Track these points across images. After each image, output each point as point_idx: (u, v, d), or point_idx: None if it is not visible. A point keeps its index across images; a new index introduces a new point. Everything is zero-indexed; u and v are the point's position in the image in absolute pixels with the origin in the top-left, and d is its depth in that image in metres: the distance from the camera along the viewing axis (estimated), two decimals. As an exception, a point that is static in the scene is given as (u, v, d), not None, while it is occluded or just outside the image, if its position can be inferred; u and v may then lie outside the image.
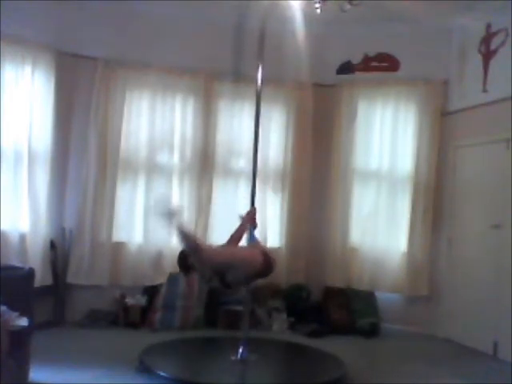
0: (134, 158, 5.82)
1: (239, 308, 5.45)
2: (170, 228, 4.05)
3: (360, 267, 6.08)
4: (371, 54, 6.20)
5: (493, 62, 5.36)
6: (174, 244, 5.86)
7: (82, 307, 5.51)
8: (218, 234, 5.65)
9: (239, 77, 5.95)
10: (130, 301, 5.57)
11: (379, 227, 6.07)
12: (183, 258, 3.84)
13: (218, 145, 6.05)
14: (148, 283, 5.75)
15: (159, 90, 5.87)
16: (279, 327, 5.67)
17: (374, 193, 6.13)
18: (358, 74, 6.25)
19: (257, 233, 4.53)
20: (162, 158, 5.92)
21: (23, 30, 5.14)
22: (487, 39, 5.45)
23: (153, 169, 5.85)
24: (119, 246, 5.75)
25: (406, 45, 6.03)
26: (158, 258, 5.80)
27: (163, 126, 5.87)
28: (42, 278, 5.17)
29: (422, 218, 5.91)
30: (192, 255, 3.65)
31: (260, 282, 4.29)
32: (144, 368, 4.08)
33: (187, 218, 5.89)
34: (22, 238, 5.21)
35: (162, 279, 5.71)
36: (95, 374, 3.99)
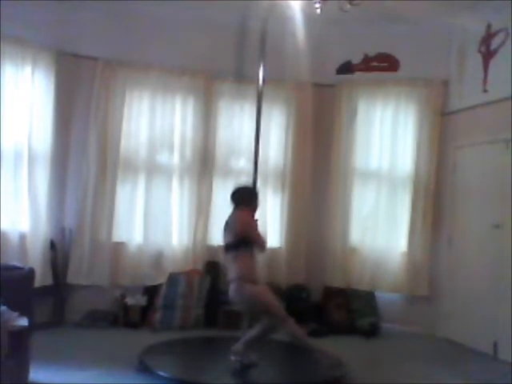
0: (134, 158, 5.82)
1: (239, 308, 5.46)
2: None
3: (360, 267, 6.07)
4: (371, 54, 6.20)
5: (493, 62, 5.36)
6: (173, 244, 5.91)
7: (82, 307, 5.51)
8: (218, 233, 5.65)
9: (239, 77, 5.96)
10: (129, 301, 5.57)
11: (379, 227, 6.06)
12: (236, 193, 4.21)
13: (218, 145, 6.06)
14: (148, 283, 5.75)
15: (159, 90, 5.87)
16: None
17: (374, 193, 6.12)
18: (358, 74, 6.25)
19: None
20: (162, 158, 5.92)
21: (23, 30, 5.14)
22: (487, 39, 5.45)
23: (153, 169, 5.86)
24: (119, 246, 5.75)
25: (406, 45, 6.03)
26: (158, 258, 5.81)
27: (163, 126, 5.87)
28: (42, 278, 5.17)
29: (421, 217, 5.91)
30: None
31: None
32: (144, 368, 4.08)
33: (187, 218, 5.92)
34: (22, 237, 5.22)
35: (162, 279, 5.71)
36: (95, 374, 3.99)
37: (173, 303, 5.56)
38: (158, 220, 5.84)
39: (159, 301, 5.59)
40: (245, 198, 4.28)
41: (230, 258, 4.11)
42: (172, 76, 5.90)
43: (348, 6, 4.21)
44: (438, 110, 5.99)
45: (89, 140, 5.64)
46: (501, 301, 4.97)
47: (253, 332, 4.23)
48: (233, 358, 4.18)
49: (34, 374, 3.57)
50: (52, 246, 5.47)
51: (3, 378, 3.11)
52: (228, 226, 4.16)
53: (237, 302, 4.23)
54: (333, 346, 4.94)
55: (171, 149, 5.92)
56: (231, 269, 4.09)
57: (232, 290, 4.06)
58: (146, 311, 5.60)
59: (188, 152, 5.95)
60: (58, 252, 5.53)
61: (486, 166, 5.42)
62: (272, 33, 5.46)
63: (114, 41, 5.70)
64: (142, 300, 5.62)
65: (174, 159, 5.94)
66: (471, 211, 5.57)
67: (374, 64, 6.22)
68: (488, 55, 5.42)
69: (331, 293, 6.08)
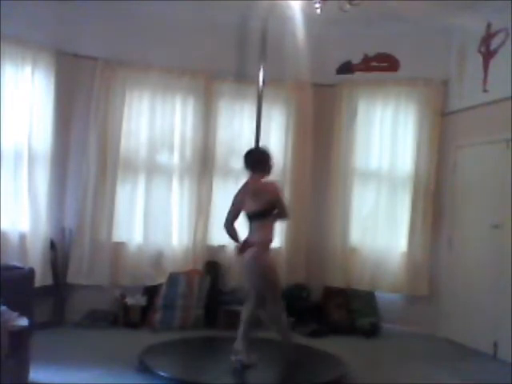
0: (134, 157, 5.82)
1: (239, 308, 5.46)
2: None
3: (360, 267, 6.07)
4: (371, 54, 6.20)
5: (493, 62, 5.36)
6: (174, 244, 5.91)
7: (82, 307, 5.51)
8: (218, 234, 5.66)
9: (239, 77, 5.96)
10: (129, 301, 5.57)
11: (379, 227, 6.06)
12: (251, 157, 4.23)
13: (218, 145, 6.05)
14: (148, 283, 5.75)
15: (159, 90, 5.87)
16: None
17: (374, 193, 6.12)
18: (358, 74, 6.25)
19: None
20: (162, 158, 5.92)
21: (23, 30, 5.14)
22: (487, 39, 5.45)
23: (153, 169, 5.86)
24: (119, 246, 5.75)
25: (406, 45, 6.03)
26: (158, 258, 5.81)
27: (163, 126, 5.87)
28: (42, 277, 5.17)
29: (421, 217, 5.91)
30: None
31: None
32: (144, 368, 4.08)
33: (187, 218, 5.92)
34: (22, 237, 5.21)
35: (162, 279, 5.71)
36: (95, 374, 3.99)
37: (173, 303, 5.56)
38: (158, 220, 5.83)
39: (159, 301, 5.59)
40: (261, 163, 4.27)
41: (255, 225, 4.14)
42: (172, 76, 5.90)
43: (348, 5, 4.21)
44: (438, 110, 5.99)
45: (89, 140, 5.64)
46: (501, 301, 4.97)
47: (242, 323, 4.23)
48: (233, 357, 4.19)
49: (34, 374, 3.57)
50: (52, 246, 5.47)
51: (3, 378, 3.11)
52: (254, 193, 4.14)
53: (250, 269, 4.17)
54: (333, 346, 4.95)
55: (171, 149, 5.92)
56: (255, 234, 4.12)
57: (251, 253, 4.07)
58: (146, 311, 5.60)
59: (188, 152, 5.94)
60: (58, 252, 5.53)
61: (486, 166, 5.42)
62: (272, 33, 5.47)
63: (113, 41, 5.70)
64: (141, 300, 5.62)
65: (174, 159, 5.94)
66: (471, 211, 5.57)
67: (374, 64, 6.22)
68: (488, 55, 5.42)
69: (331, 293, 6.08)
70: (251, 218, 4.16)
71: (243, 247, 4.16)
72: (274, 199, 4.15)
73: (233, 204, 4.25)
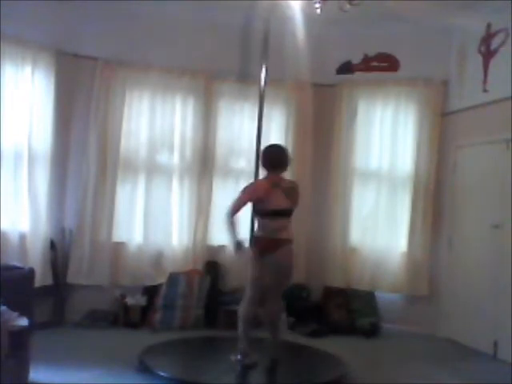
0: (134, 157, 5.82)
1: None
2: None
3: (360, 267, 6.07)
4: (371, 54, 6.20)
5: (493, 62, 5.36)
6: (174, 244, 5.91)
7: (82, 307, 5.51)
8: (218, 234, 5.66)
9: (239, 77, 5.96)
10: (129, 301, 5.57)
11: (379, 227, 6.06)
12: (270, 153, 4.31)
13: (218, 145, 6.05)
14: (148, 283, 5.75)
15: (159, 90, 5.86)
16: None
17: (374, 193, 6.12)
18: (358, 74, 6.25)
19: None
20: (162, 158, 5.92)
21: (23, 30, 5.13)
22: (487, 39, 5.45)
23: (153, 169, 5.86)
24: (119, 246, 5.75)
25: (406, 45, 6.03)
26: (158, 258, 5.81)
27: (163, 126, 5.87)
28: (42, 277, 5.17)
29: (421, 217, 5.91)
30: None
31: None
32: (144, 368, 4.08)
33: (187, 218, 5.92)
34: (22, 237, 5.21)
35: (162, 279, 5.71)
36: (95, 374, 3.99)
37: (173, 303, 5.56)
38: (158, 220, 5.84)
39: (159, 301, 5.59)
40: (283, 160, 4.30)
41: (282, 221, 4.17)
42: (172, 76, 5.90)
43: (348, 5, 4.21)
44: (438, 110, 5.99)
45: (89, 140, 5.64)
46: (501, 300, 4.97)
47: (240, 322, 4.23)
48: (233, 357, 4.19)
49: (34, 374, 3.57)
50: (52, 246, 5.47)
51: (3, 378, 3.11)
52: (288, 191, 4.19)
53: (283, 264, 4.15)
54: (333, 346, 4.95)
55: (171, 149, 5.91)
56: (283, 231, 4.14)
57: (287, 250, 4.14)
58: (146, 311, 5.60)
59: (188, 152, 5.94)
60: (58, 252, 5.53)
61: (486, 166, 5.42)
62: (272, 33, 5.46)
63: (114, 41, 5.70)
64: (141, 300, 5.62)
65: (174, 159, 5.93)
66: (471, 211, 5.57)
67: (374, 64, 6.22)
68: (488, 55, 5.42)
69: (331, 293, 6.08)
70: (279, 214, 4.14)
71: (266, 245, 4.14)
72: (297, 198, 4.29)
73: (242, 196, 4.21)
